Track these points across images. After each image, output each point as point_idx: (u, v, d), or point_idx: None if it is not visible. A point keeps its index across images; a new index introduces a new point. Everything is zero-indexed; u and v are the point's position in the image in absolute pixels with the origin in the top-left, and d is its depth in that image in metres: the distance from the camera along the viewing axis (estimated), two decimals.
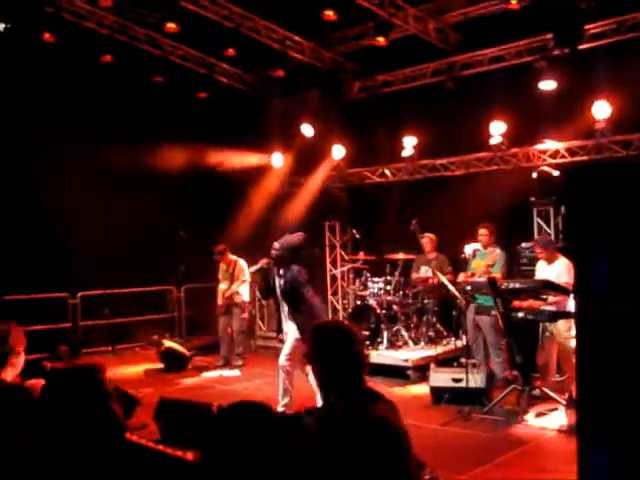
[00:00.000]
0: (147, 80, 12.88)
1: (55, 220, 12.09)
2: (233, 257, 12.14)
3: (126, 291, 13.72)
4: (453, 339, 10.80)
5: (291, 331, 8.18)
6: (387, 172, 13.20)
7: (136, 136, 12.79)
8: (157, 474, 3.86)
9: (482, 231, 9.64)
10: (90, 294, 13.42)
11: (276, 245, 8.22)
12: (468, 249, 9.70)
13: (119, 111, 12.53)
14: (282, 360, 8.18)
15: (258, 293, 10.58)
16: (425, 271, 10.99)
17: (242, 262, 12.10)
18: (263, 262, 9.01)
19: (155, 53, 12.68)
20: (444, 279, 9.74)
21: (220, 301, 12.12)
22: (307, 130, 13.61)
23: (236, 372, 11.54)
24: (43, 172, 11.98)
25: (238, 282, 11.97)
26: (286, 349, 8.19)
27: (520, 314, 8.18)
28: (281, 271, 8.13)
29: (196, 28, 11.69)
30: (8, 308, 11.80)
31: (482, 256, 9.53)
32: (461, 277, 9.68)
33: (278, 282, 8.20)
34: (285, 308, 8.24)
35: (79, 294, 13.38)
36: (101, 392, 3.01)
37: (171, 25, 11.18)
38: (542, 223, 10.71)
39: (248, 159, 14.58)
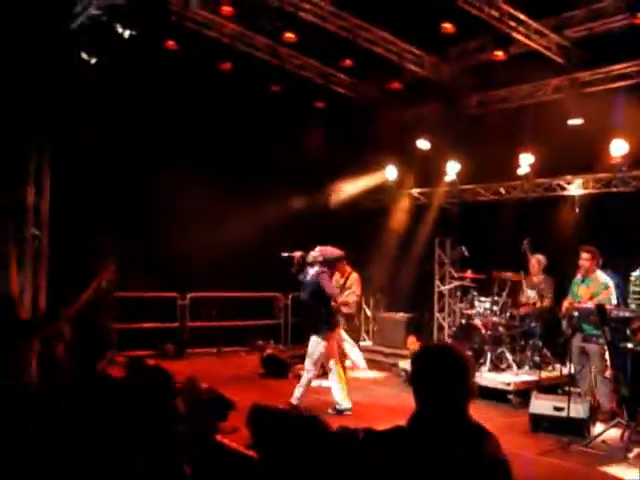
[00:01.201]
0: (265, 89, 13.07)
1: (170, 223, 12.42)
2: (349, 268, 12.17)
3: (235, 295, 13.94)
4: (558, 365, 10.40)
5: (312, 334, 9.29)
6: (501, 190, 12.91)
7: (252, 143, 13.05)
8: (244, 478, 3.88)
9: (584, 255, 9.16)
10: (199, 296, 13.74)
11: (317, 249, 9.46)
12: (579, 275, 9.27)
13: (237, 118, 12.76)
14: (307, 364, 9.48)
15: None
16: (532, 294, 10.65)
17: (356, 275, 12.11)
18: (297, 254, 9.71)
19: (273, 62, 12.85)
20: None
21: None
22: (423, 144, 13.52)
23: None
24: (158, 175, 12.34)
25: (349, 292, 11.98)
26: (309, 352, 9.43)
27: (630, 345, 7.80)
28: (311, 269, 9.30)
29: (314, 38, 11.77)
30: (120, 305, 12.24)
31: (586, 283, 9.12)
32: (566, 304, 9.33)
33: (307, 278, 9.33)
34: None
35: (189, 295, 13.72)
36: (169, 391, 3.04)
37: (290, 35, 11.30)
38: None
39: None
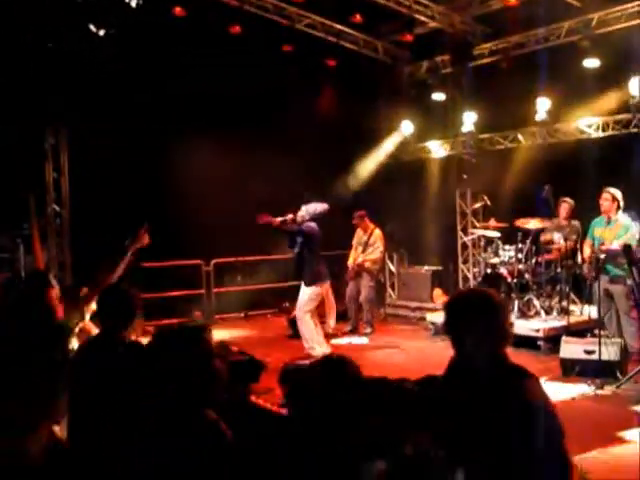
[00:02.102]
0: (277, 50, 12.97)
1: (191, 189, 12.44)
2: (371, 225, 12.19)
3: (258, 258, 13.98)
4: (587, 309, 10.38)
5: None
6: (520, 137, 12.80)
7: (268, 106, 12.98)
8: (280, 436, 3.91)
9: (604, 196, 9.10)
10: (223, 261, 13.79)
11: (303, 208, 9.98)
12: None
13: (250, 81, 12.68)
14: (297, 313, 10.15)
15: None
16: (558, 238, 10.57)
17: (379, 231, 12.14)
18: (288, 216, 10.13)
19: (283, 23, 12.74)
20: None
21: (350, 267, 12.19)
22: (438, 96, 13.45)
23: (364, 340, 11.60)
24: (180, 144, 12.35)
25: (373, 249, 12.03)
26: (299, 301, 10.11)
27: None
28: (301, 227, 9.91)
29: None
30: (145, 274, 12.32)
31: (602, 224, 9.06)
32: (586, 249, 9.31)
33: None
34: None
35: (213, 261, 13.78)
36: (206, 350, 3.05)
37: None
38: None
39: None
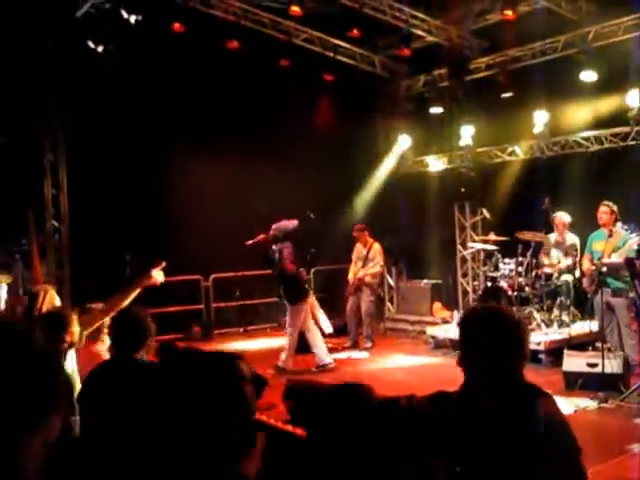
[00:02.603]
0: (274, 64, 12.99)
1: (190, 205, 12.45)
2: (370, 239, 12.19)
3: (257, 273, 13.93)
4: (588, 322, 10.37)
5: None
6: (518, 150, 12.83)
7: (266, 121, 12.99)
8: (286, 453, 3.88)
9: (601, 209, 9.11)
10: (222, 277, 13.78)
11: (274, 227, 10.39)
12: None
13: (247, 96, 12.71)
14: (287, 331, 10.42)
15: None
16: (556, 255, 10.59)
17: (378, 245, 12.15)
18: (260, 237, 10.55)
19: (280, 38, 12.78)
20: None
21: (351, 281, 12.17)
22: (435, 110, 13.49)
23: (364, 354, 11.58)
24: (178, 159, 12.35)
25: (373, 264, 12.02)
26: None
27: None
28: (275, 247, 10.33)
29: (320, 10, 11.70)
30: (144, 290, 12.27)
31: (601, 237, 9.04)
32: (586, 263, 9.30)
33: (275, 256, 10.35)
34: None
35: (212, 276, 13.76)
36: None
37: (295, 8, 11.19)
38: None
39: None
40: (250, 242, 10.47)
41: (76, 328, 4.73)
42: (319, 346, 10.41)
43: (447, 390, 3.07)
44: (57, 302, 5.31)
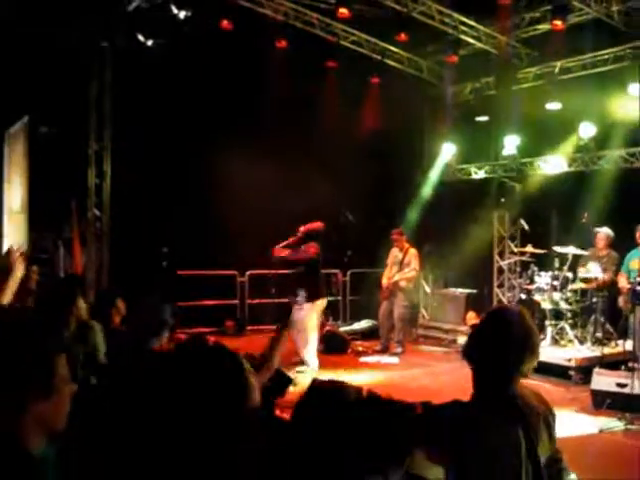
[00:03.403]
0: (321, 65, 13.03)
1: (230, 200, 12.51)
2: (407, 244, 12.15)
3: (293, 272, 13.97)
4: (622, 341, 10.20)
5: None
6: (562, 162, 12.67)
7: (309, 121, 13.03)
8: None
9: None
10: (258, 273, 13.83)
11: (301, 228, 10.49)
12: None
13: (291, 96, 12.75)
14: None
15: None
16: (594, 268, 10.45)
17: (414, 250, 12.09)
18: (290, 240, 10.59)
19: (329, 39, 12.81)
20: None
21: (384, 285, 12.14)
22: (481, 118, 13.41)
23: (394, 359, 11.53)
24: (220, 154, 12.43)
25: (409, 269, 11.97)
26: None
27: None
28: (302, 247, 10.41)
29: (369, 13, 11.71)
30: (181, 282, 12.44)
31: (638, 256, 8.88)
32: (622, 281, 9.15)
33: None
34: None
35: (248, 273, 13.84)
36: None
37: (343, 11, 11.20)
38: None
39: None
40: (287, 252, 10.51)
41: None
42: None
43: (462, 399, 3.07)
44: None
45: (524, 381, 2.90)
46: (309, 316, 10.26)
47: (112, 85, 11.97)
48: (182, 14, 10.62)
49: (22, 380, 2.07)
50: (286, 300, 13.60)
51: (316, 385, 2.51)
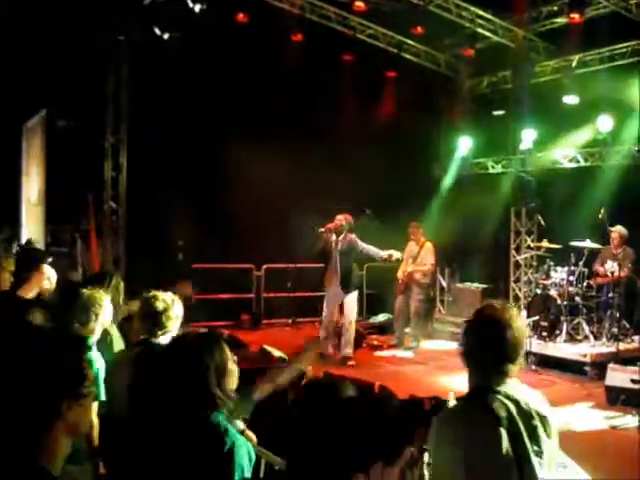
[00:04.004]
0: (337, 58, 13.00)
1: (246, 195, 12.53)
2: (423, 238, 12.10)
3: (309, 266, 13.97)
4: (637, 337, 10.15)
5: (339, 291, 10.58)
6: (579, 157, 12.57)
7: (325, 115, 13.02)
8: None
9: None
10: (274, 267, 13.87)
11: (340, 217, 10.59)
12: None
13: (308, 89, 12.75)
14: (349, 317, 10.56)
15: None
16: (611, 266, 10.39)
17: (430, 244, 12.03)
18: (328, 225, 10.65)
19: (345, 32, 12.79)
20: None
21: (400, 279, 12.09)
22: (498, 112, 13.34)
23: (409, 353, 11.50)
24: (236, 149, 12.44)
25: (424, 262, 11.92)
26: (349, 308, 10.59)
27: None
28: (340, 237, 10.55)
29: (385, 6, 11.68)
30: (197, 275, 12.49)
31: None
32: None
33: (335, 245, 10.57)
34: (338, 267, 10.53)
35: (264, 266, 13.88)
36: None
37: (360, 4, 11.20)
38: None
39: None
40: (323, 228, 10.65)
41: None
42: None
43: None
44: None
45: (536, 376, 2.93)
46: (354, 307, 10.76)
47: (128, 79, 12.03)
48: (197, 7, 10.61)
49: (58, 387, 2.10)
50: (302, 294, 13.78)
51: (312, 382, 2.53)
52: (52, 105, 11.81)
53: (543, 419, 2.86)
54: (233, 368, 3.08)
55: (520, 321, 2.95)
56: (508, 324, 2.86)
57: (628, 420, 7.57)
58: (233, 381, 3.09)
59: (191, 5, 10.69)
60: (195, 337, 3.14)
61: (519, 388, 2.90)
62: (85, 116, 11.96)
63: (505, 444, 2.71)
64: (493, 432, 2.72)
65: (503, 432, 2.72)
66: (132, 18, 11.41)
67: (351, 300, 10.68)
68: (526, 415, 2.81)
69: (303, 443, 2.26)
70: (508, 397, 2.82)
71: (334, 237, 10.65)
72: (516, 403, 2.82)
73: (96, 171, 12.23)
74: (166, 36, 11.52)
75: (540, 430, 2.82)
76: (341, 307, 10.79)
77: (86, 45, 11.04)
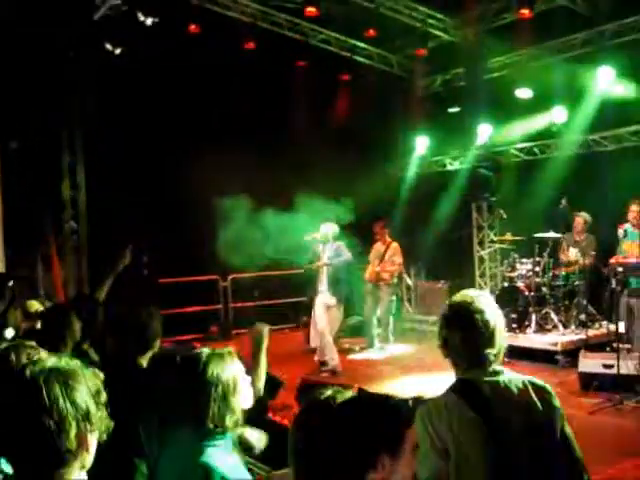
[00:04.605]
0: (291, 65, 13.02)
1: (208, 207, 12.44)
2: (389, 238, 12.13)
3: (275, 274, 13.94)
4: (605, 323, 10.31)
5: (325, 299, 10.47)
6: (535, 149, 12.75)
7: (281, 122, 13.01)
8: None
9: (633, 208, 8.97)
10: (241, 277, 13.79)
11: (326, 225, 10.49)
12: (621, 230, 9.11)
13: (265, 97, 12.73)
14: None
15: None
16: (575, 253, 10.54)
17: (396, 244, 12.07)
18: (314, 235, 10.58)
19: (297, 38, 12.81)
20: None
21: (368, 280, 12.11)
22: (453, 109, 13.46)
23: (381, 354, 11.53)
24: (195, 160, 12.35)
25: (391, 262, 11.95)
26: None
27: None
28: (327, 246, 10.48)
29: (336, 11, 11.73)
30: (162, 290, 12.37)
31: (633, 237, 8.90)
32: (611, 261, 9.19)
33: (322, 254, 10.52)
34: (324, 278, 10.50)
35: (230, 277, 13.80)
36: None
37: (311, 9, 11.22)
38: None
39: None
40: (309, 237, 10.59)
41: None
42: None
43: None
44: None
45: (508, 368, 2.94)
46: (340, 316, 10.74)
47: (82, 95, 11.87)
48: (149, 20, 10.56)
49: None
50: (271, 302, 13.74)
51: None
52: (2, 127, 11.61)
53: (540, 390, 2.89)
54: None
55: (494, 305, 2.97)
56: (482, 310, 2.87)
57: (603, 404, 7.68)
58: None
59: (142, 19, 10.62)
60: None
61: (505, 373, 2.92)
62: (39, 136, 11.78)
63: (490, 431, 2.72)
64: (479, 420, 2.74)
65: (489, 420, 2.74)
66: (82, 34, 11.27)
67: (336, 309, 10.62)
68: (515, 397, 2.83)
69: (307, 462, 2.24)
70: (493, 383, 2.84)
71: (321, 246, 10.61)
72: (502, 388, 2.84)
73: (54, 191, 12.05)
74: (118, 51, 11.42)
75: (538, 405, 2.84)
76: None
77: (35, 63, 10.89)
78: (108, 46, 11.36)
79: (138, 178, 12.00)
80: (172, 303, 12.42)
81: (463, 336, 2.86)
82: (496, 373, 2.86)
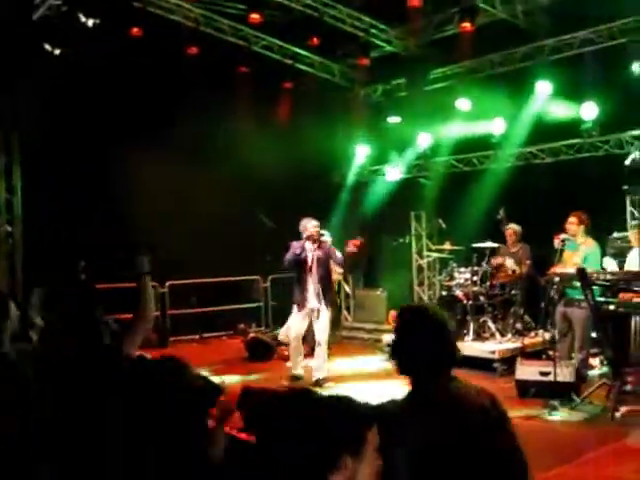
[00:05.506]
0: (232, 71, 12.95)
1: (148, 211, 12.30)
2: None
3: (213, 280, 13.85)
4: (541, 331, 10.52)
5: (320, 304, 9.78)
6: (474, 160, 12.96)
7: (222, 127, 12.95)
8: (237, 460, 3.86)
9: (571, 219, 9.16)
10: (178, 283, 13.65)
11: (315, 223, 9.83)
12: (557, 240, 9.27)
13: (206, 102, 12.64)
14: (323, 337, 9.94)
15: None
16: (510, 264, 10.74)
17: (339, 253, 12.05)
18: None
19: (240, 44, 12.77)
20: None
21: None
22: (393, 119, 13.57)
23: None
24: (133, 161, 12.20)
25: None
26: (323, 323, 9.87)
27: (612, 307, 7.86)
28: (315, 245, 9.71)
29: (280, 18, 11.74)
30: (99, 296, 12.11)
31: (572, 248, 9.07)
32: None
33: (311, 255, 9.74)
34: (316, 279, 9.71)
35: (167, 283, 13.64)
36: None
37: (255, 16, 11.21)
38: (636, 212, 10.31)
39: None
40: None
41: None
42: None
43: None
44: None
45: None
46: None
47: (18, 96, 11.59)
48: (91, 22, 10.38)
49: None
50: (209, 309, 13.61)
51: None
52: None
53: (490, 395, 2.94)
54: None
55: (443, 312, 3.04)
56: (432, 318, 2.94)
57: (540, 411, 7.82)
58: None
59: (84, 20, 10.44)
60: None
61: (459, 381, 2.96)
62: None
63: (448, 433, 2.75)
64: (438, 422, 2.76)
65: (447, 422, 2.77)
66: (19, 34, 11.01)
67: (326, 317, 9.98)
68: (472, 400, 2.87)
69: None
70: (451, 387, 2.88)
71: (310, 246, 9.81)
72: (461, 392, 2.87)
73: None
74: (57, 52, 11.20)
75: (491, 409, 2.89)
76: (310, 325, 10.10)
77: None
78: (47, 47, 11.12)
79: (76, 181, 11.75)
80: (108, 309, 12.19)
81: (422, 340, 2.89)
82: (453, 378, 2.90)
